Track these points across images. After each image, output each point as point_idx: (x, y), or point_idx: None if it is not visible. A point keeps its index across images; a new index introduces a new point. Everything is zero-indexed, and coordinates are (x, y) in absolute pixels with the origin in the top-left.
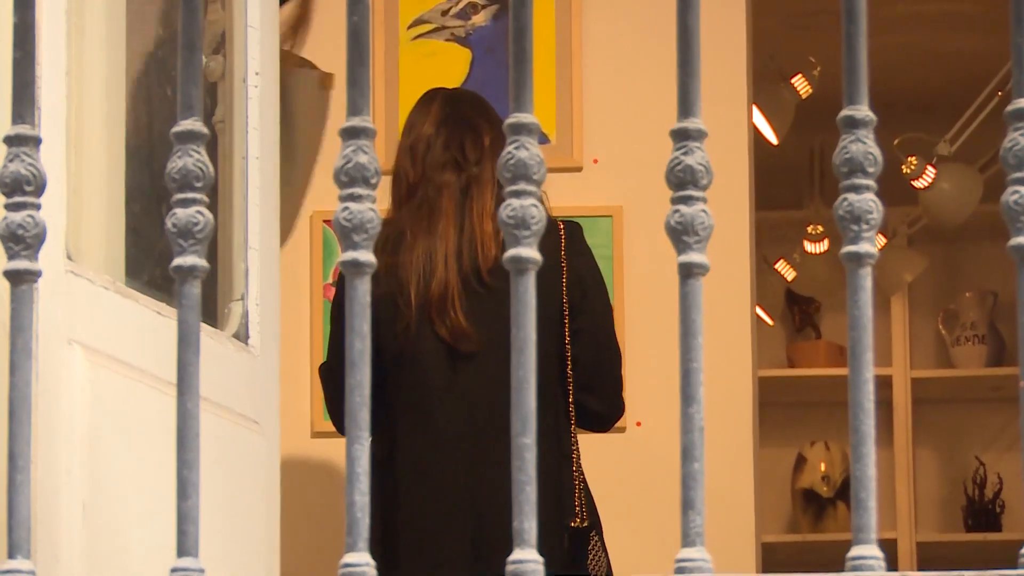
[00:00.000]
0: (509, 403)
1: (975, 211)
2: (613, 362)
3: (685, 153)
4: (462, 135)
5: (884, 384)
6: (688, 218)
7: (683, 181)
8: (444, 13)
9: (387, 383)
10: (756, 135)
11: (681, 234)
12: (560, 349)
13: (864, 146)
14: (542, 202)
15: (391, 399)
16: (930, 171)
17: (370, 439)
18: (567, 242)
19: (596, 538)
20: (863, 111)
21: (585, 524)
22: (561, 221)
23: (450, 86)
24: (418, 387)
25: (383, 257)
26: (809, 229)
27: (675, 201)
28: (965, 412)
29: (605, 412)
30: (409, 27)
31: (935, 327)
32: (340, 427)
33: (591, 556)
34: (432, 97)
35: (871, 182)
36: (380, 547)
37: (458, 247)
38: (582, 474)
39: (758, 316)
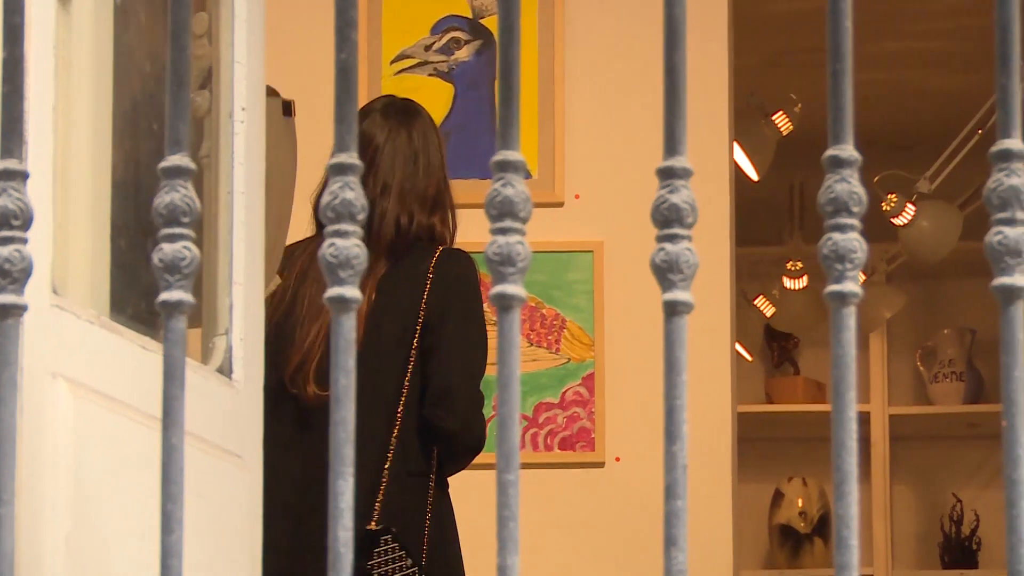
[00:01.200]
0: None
1: (954, 249)
2: (466, 381)
3: (671, 191)
4: None
5: (862, 421)
6: (673, 256)
7: (668, 219)
8: (427, 48)
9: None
10: (737, 172)
11: (666, 272)
12: (406, 365)
13: (849, 186)
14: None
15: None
16: (910, 208)
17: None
18: (437, 266)
19: (393, 543)
20: (848, 150)
21: (378, 528)
22: (441, 249)
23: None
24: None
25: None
26: (788, 265)
27: (660, 239)
28: (942, 449)
29: (457, 430)
30: (392, 62)
31: (913, 364)
32: None
33: (380, 560)
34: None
35: (856, 221)
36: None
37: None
38: (427, 494)
39: (737, 352)
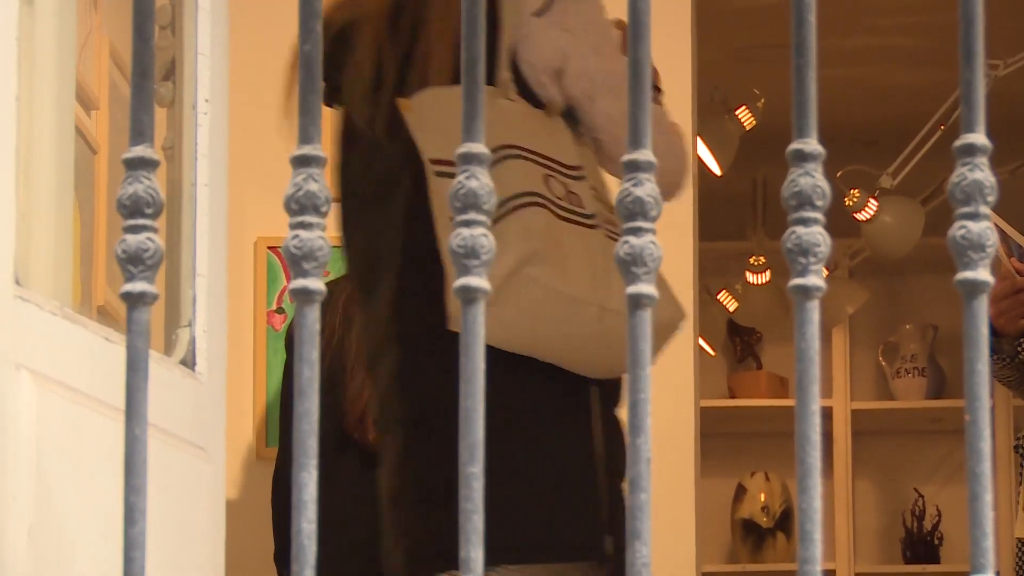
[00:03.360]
0: None
1: (917, 244)
2: None
3: (635, 185)
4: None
5: (824, 416)
6: (637, 249)
7: (633, 212)
8: None
9: None
10: (700, 166)
11: (630, 265)
12: None
13: (813, 179)
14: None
15: None
16: (872, 204)
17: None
18: None
19: None
20: (812, 145)
21: None
22: None
23: None
24: None
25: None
26: (751, 260)
27: (625, 232)
28: (905, 444)
29: None
30: None
31: (875, 359)
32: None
33: None
34: None
35: (819, 215)
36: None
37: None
38: None
39: (700, 347)
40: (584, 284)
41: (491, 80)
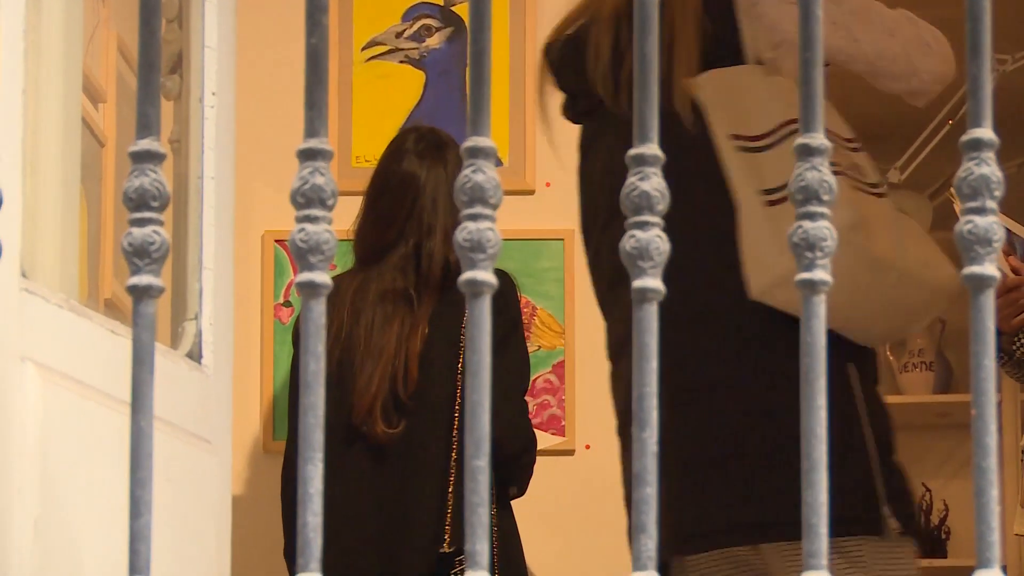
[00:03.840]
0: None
1: None
2: (503, 404)
3: (642, 179)
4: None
5: None
6: (644, 243)
7: (639, 206)
8: (398, 35)
9: None
10: None
11: (637, 259)
12: (455, 392)
13: (820, 174)
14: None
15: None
16: None
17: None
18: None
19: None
20: (819, 139)
21: (451, 550)
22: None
23: (404, 109)
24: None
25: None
26: None
27: (631, 226)
28: (912, 438)
29: (498, 437)
30: (363, 48)
31: (883, 353)
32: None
33: None
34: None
35: (826, 209)
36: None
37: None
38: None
39: None
40: (887, 250)
41: (740, 61)
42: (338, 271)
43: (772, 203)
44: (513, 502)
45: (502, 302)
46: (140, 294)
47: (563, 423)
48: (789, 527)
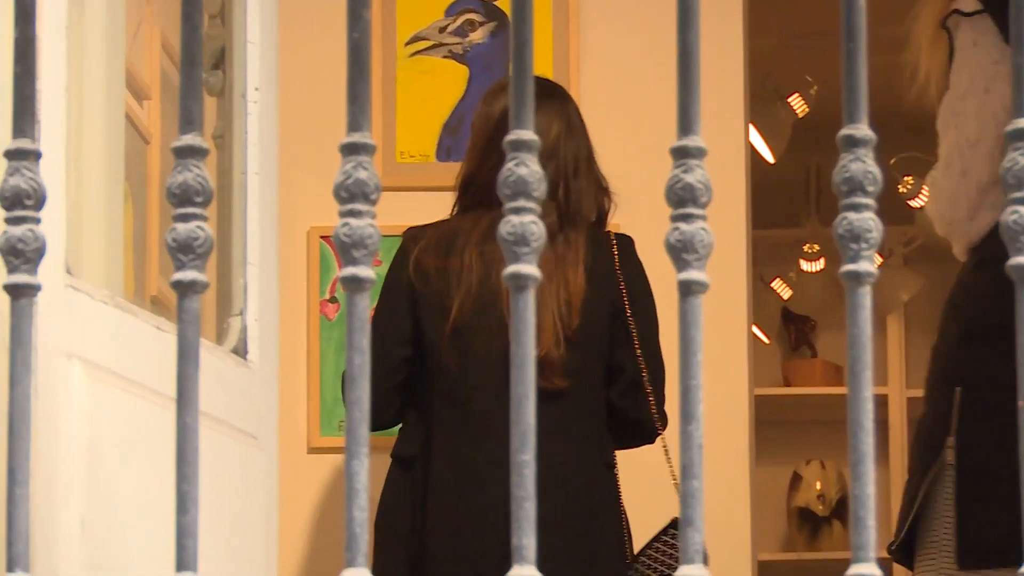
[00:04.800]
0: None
1: None
2: (658, 371)
3: (685, 171)
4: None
5: (880, 403)
6: (688, 236)
7: (683, 199)
8: (442, 30)
9: (430, 382)
10: (753, 154)
11: (681, 252)
12: (606, 356)
13: (864, 165)
14: (542, 218)
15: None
16: (927, 190)
17: (404, 440)
18: (620, 253)
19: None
20: (863, 130)
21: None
22: (613, 234)
23: (448, 104)
24: (460, 385)
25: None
26: (805, 248)
27: (675, 219)
28: None
29: (644, 418)
30: (407, 44)
31: (931, 346)
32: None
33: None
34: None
35: (871, 201)
36: (408, 545)
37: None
38: (617, 486)
39: (754, 334)
40: None
41: None
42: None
43: None
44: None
45: (642, 268)
46: (184, 290)
47: None
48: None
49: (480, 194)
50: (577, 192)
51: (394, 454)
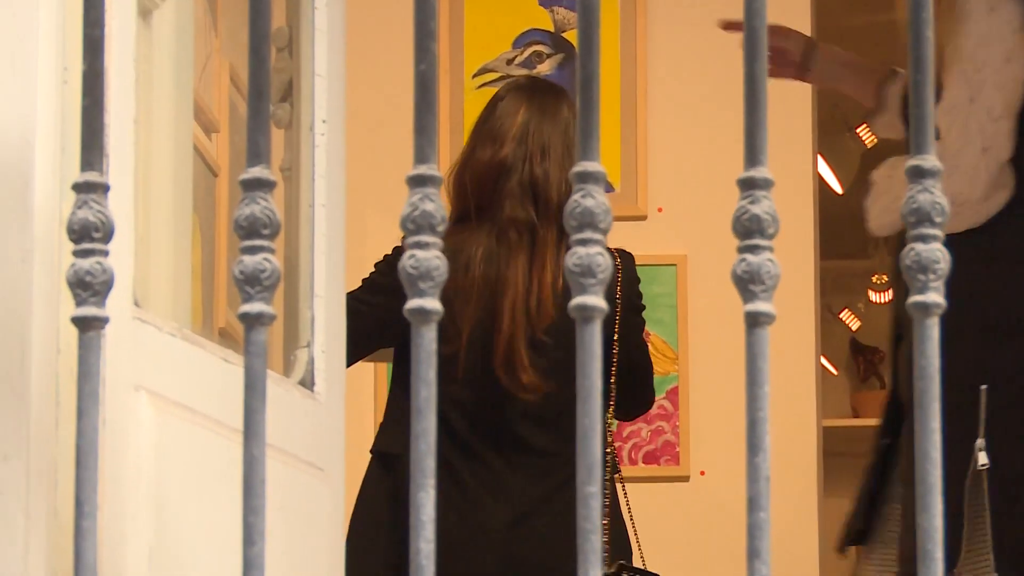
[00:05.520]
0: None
1: None
2: (648, 376)
3: (752, 202)
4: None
5: None
6: (755, 267)
7: (750, 230)
8: (509, 62)
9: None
10: (821, 184)
11: (748, 283)
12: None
13: (932, 196)
14: (608, 250)
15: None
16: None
17: (388, 437)
18: (623, 272)
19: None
20: (931, 160)
21: (611, 571)
22: (615, 251)
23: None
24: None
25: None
26: (874, 279)
27: (742, 250)
28: None
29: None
30: (474, 76)
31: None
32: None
33: None
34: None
35: (939, 232)
36: (389, 545)
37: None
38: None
39: (822, 366)
40: None
41: None
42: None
43: None
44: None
45: (632, 272)
46: (251, 322)
47: (677, 449)
48: None
49: (471, 194)
50: (544, 175)
51: (376, 450)
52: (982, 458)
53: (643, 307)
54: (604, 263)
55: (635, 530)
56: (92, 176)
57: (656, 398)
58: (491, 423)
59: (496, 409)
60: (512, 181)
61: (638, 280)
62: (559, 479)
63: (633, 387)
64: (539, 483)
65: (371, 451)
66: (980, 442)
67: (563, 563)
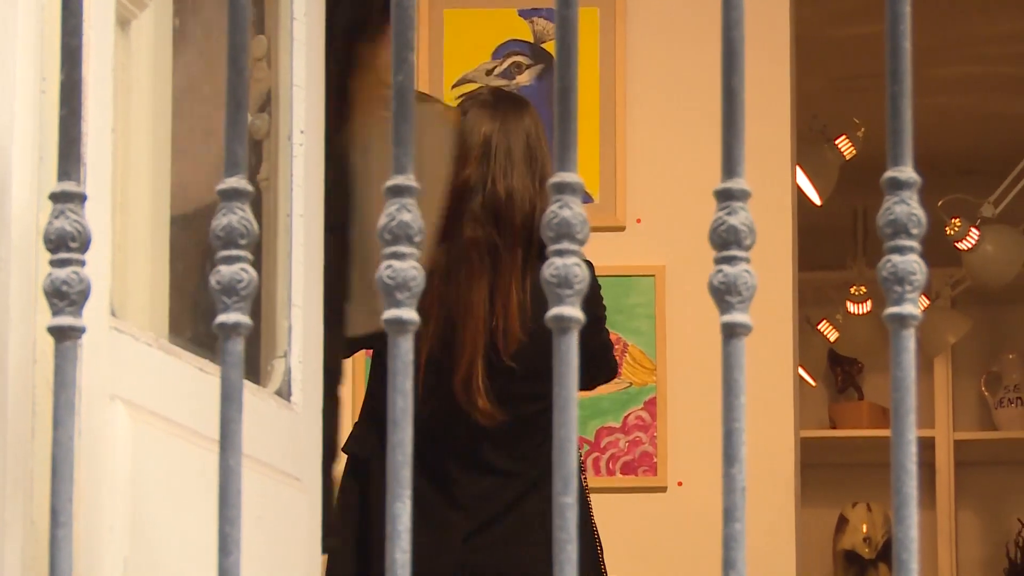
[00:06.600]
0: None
1: (1019, 273)
2: (607, 355)
3: (729, 213)
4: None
5: (927, 446)
6: (731, 278)
7: (726, 241)
8: (489, 72)
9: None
10: (800, 196)
11: (724, 294)
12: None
13: (908, 207)
14: (586, 262)
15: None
16: (974, 233)
17: (354, 437)
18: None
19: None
20: (907, 172)
21: None
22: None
23: None
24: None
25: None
26: (852, 290)
27: (718, 261)
28: (1007, 474)
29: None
30: (453, 86)
31: (978, 389)
32: None
33: None
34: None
35: (915, 243)
36: (358, 548)
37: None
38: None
39: (800, 377)
40: None
41: None
42: None
43: None
44: (605, 540)
45: (596, 287)
46: (228, 332)
47: (655, 460)
48: None
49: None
50: (507, 193)
51: (346, 450)
52: None
53: (603, 315)
54: (581, 274)
55: (599, 543)
56: (69, 186)
57: (634, 409)
58: (450, 440)
59: (455, 427)
60: (474, 202)
61: (599, 286)
62: (519, 491)
63: (595, 367)
64: (498, 497)
65: (341, 449)
66: None
67: (523, 571)
